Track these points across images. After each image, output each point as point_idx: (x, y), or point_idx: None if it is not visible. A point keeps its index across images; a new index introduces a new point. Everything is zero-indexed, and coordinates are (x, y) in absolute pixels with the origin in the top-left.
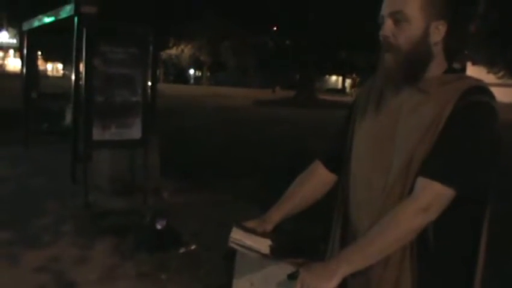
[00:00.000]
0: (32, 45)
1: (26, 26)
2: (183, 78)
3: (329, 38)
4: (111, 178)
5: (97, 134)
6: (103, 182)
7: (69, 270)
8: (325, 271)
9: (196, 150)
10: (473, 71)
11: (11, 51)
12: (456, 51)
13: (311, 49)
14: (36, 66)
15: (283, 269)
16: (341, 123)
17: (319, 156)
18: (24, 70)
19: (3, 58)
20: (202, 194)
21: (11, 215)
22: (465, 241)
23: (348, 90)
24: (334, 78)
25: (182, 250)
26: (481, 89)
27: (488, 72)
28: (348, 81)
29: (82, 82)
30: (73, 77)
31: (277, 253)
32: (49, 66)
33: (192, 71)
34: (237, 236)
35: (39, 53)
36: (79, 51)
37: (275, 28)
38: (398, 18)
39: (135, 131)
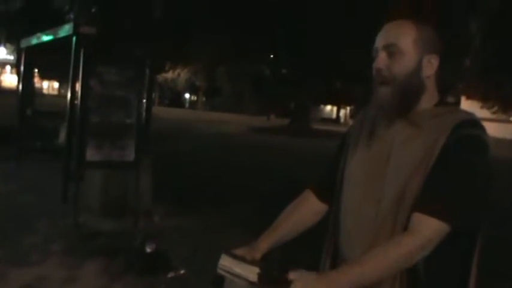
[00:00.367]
0: (29, 62)
1: (24, 43)
2: (179, 102)
3: (324, 69)
4: (102, 199)
5: (90, 155)
6: (94, 203)
7: None
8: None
9: (189, 174)
10: (467, 105)
11: (8, 68)
12: (449, 85)
13: (306, 78)
14: (33, 83)
15: None
16: (333, 153)
17: (310, 185)
18: (20, 87)
19: (0, 74)
20: (193, 219)
21: None
22: (456, 273)
23: (342, 120)
24: (328, 108)
25: (171, 274)
26: (473, 122)
27: (482, 106)
28: (343, 111)
29: (77, 101)
30: (69, 96)
31: (265, 281)
32: (45, 84)
33: (187, 95)
34: (226, 263)
35: (36, 70)
36: (76, 70)
37: (272, 56)
38: (392, 51)
39: (128, 153)
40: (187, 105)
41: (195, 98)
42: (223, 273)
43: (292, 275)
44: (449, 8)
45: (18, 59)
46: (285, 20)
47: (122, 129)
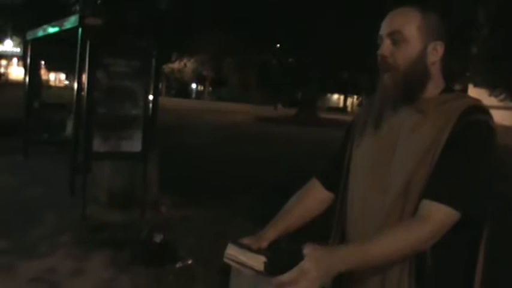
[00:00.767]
0: (36, 54)
1: (30, 36)
2: (185, 92)
3: (331, 57)
4: (110, 191)
5: (97, 146)
6: (101, 195)
7: (64, 281)
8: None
9: (196, 165)
10: (475, 93)
11: (15, 60)
12: (455, 72)
13: (313, 68)
14: (39, 75)
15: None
16: (340, 142)
17: (316, 174)
18: (27, 79)
19: (7, 67)
20: (200, 209)
21: (7, 225)
22: (463, 262)
23: (349, 109)
24: (335, 96)
25: (178, 265)
26: (480, 108)
27: (490, 94)
28: (350, 100)
29: (84, 93)
30: (75, 88)
31: (271, 270)
32: (52, 76)
33: (194, 86)
34: (232, 252)
35: (43, 62)
36: (82, 62)
37: (278, 46)
38: (397, 38)
39: (135, 144)
40: (193, 95)
41: (202, 88)
42: (229, 262)
43: (305, 250)
44: None
45: (24, 52)
46: (290, 10)
47: (128, 120)
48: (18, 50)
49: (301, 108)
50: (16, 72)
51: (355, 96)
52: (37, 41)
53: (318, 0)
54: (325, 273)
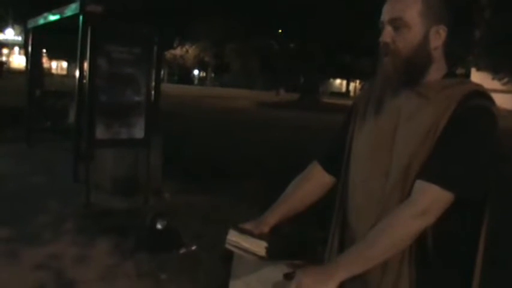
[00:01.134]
0: (37, 43)
1: (31, 24)
2: (188, 79)
3: (333, 42)
4: (113, 177)
5: (100, 133)
6: (104, 182)
7: (69, 268)
8: (322, 274)
9: (199, 151)
10: (477, 77)
11: (16, 49)
12: (458, 56)
13: (316, 52)
14: (41, 64)
15: (279, 271)
16: (340, 126)
17: (317, 157)
18: (29, 68)
19: (8, 55)
20: (204, 195)
21: (11, 212)
22: (463, 246)
23: (352, 94)
24: (338, 81)
25: (182, 251)
26: (481, 93)
27: (493, 78)
28: (352, 85)
29: (86, 81)
30: (77, 76)
31: (273, 255)
32: (54, 64)
33: (196, 72)
34: (233, 238)
35: (44, 50)
36: (83, 49)
37: (280, 31)
38: (398, 24)
39: (137, 131)
40: (196, 81)
41: (204, 74)
42: (231, 248)
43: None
44: None
45: (25, 40)
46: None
47: (131, 107)
48: (19, 38)
49: (303, 93)
50: (18, 60)
51: (358, 81)
52: (38, 29)
53: None
54: (322, 283)
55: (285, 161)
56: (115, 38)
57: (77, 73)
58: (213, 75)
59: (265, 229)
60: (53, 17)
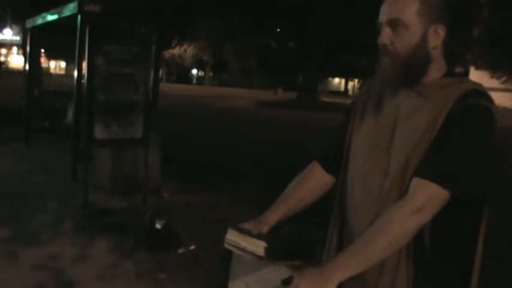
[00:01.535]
0: (35, 42)
1: (29, 24)
2: (186, 78)
3: (332, 41)
4: (112, 177)
5: (98, 133)
6: (103, 181)
7: (68, 268)
8: (320, 276)
9: (197, 150)
10: (476, 75)
11: (15, 49)
12: (457, 55)
13: (314, 51)
14: (39, 63)
15: (278, 271)
16: (339, 125)
17: (317, 157)
18: (27, 67)
19: (7, 55)
20: (203, 195)
21: (10, 212)
22: (461, 245)
23: (350, 92)
24: (336, 80)
25: (181, 250)
26: (479, 92)
27: (492, 76)
28: (351, 84)
29: (84, 80)
30: (75, 75)
31: (272, 255)
32: (52, 64)
33: (195, 71)
34: (232, 237)
35: (42, 50)
36: (82, 49)
37: (278, 30)
38: (396, 25)
39: (136, 130)
40: (194, 81)
41: (203, 73)
42: (230, 247)
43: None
44: None
45: (24, 40)
46: None
47: (129, 106)
48: (17, 38)
49: (302, 92)
50: (16, 60)
51: (356, 80)
52: (36, 28)
53: None
54: (320, 285)
55: (283, 160)
56: (113, 38)
57: (76, 73)
58: (211, 74)
59: (265, 229)
60: (51, 17)
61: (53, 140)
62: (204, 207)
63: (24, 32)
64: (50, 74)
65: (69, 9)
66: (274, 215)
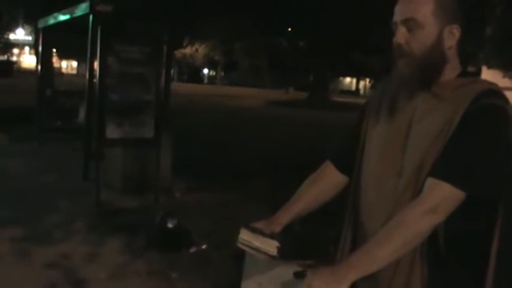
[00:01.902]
0: (47, 42)
1: (41, 24)
2: (197, 77)
3: (343, 40)
4: (123, 176)
5: (110, 132)
6: (115, 180)
7: (79, 267)
8: (333, 275)
9: (209, 149)
10: (488, 74)
11: (27, 49)
12: (471, 54)
13: (325, 50)
14: (51, 63)
15: (290, 271)
16: (353, 125)
17: (330, 157)
18: (39, 67)
19: (19, 55)
20: (214, 194)
21: (22, 211)
22: (476, 245)
23: (362, 92)
24: (348, 79)
25: (193, 249)
26: (494, 92)
27: (504, 76)
28: (362, 83)
29: (96, 80)
30: (87, 75)
31: (285, 254)
32: (64, 63)
33: (206, 71)
34: (245, 237)
35: (54, 50)
36: (93, 49)
37: (289, 29)
38: (411, 25)
39: (147, 130)
40: (206, 80)
41: (214, 73)
42: (243, 247)
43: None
44: None
45: (36, 40)
46: None
47: (141, 106)
48: (30, 38)
49: (313, 91)
50: (28, 60)
51: (368, 79)
52: (48, 28)
53: None
54: (333, 284)
55: (294, 159)
56: (125, 38)
57: (87, 72)
58: (222, 74)
59: (277, 228)
60: (63, 17)
61: (64, 140)
62: (215, 206)
63: (36, 32)
64: (62, 74)
65: (81, 9)
66: (286, 215)
